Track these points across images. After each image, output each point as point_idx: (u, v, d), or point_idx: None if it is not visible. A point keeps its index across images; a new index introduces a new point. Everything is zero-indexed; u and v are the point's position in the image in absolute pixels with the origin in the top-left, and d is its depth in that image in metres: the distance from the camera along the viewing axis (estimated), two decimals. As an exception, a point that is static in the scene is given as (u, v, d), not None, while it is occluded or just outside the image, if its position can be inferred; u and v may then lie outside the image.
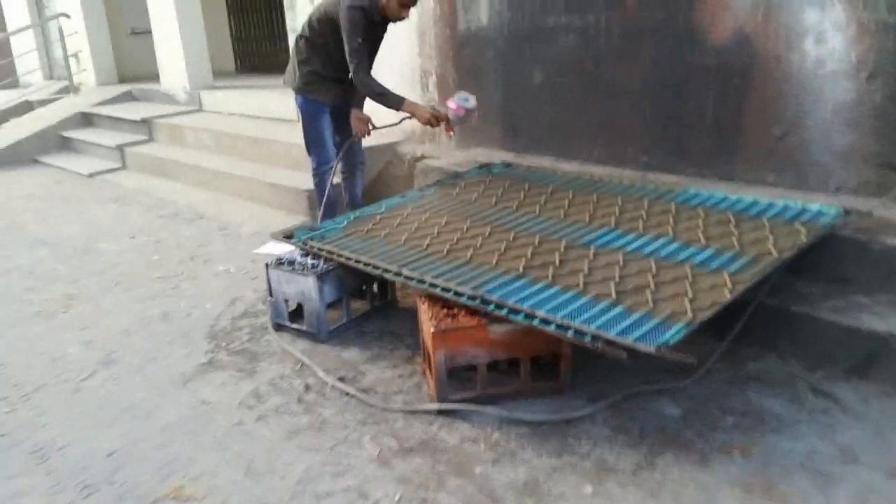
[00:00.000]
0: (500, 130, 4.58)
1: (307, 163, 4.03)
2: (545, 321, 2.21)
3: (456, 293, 2.48)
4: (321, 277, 2.97)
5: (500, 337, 2.42)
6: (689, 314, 2.14)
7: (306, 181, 4.47)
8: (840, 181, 3.17)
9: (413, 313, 2.81)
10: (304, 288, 3.01)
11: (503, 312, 2.32)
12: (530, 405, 2.46)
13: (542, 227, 3.00)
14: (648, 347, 1.98)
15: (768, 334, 2.71)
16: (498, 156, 4.49)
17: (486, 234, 2.98)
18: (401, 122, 3.71)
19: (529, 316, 2.25)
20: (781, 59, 3.22)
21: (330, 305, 3.06)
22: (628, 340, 2.03)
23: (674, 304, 2.21)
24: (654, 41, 3.69)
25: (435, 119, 3.58)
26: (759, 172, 3.44)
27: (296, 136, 4.32)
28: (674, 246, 2.64)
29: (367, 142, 4.15)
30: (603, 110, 4.00)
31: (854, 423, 2.27)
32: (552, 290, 2.40)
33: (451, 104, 3.56)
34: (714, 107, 3.54)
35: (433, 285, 2.57)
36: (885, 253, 2.63)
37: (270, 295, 3.16)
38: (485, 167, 4.04)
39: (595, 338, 2.09)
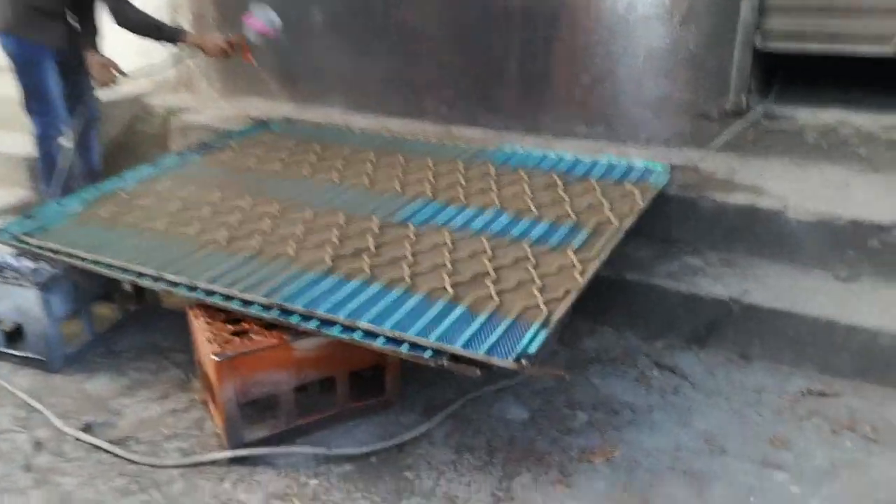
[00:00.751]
0: (277, 79, 3.87)
1: (27, 124, 3.02)
2: (370, 334, 1.69)
3: (243, 302, 1.86)
4: (46, 287, 2.16)
5: (308, 354, 1.86)
6: (543, 309, 1.75)
7: (23, 145, 3.43)
8: (652, 132, 2.99)
9: (184, 316, 2.14)
10: (21, 303, 2.17)
11: (312, 326, 1.76)
12: (353, 430, 1.96)
13: (345, 200, 2.44)
14: (507, 362, 1.56)
15: (601, 306, 2.46)
16: (276, 109, 3.79)
17: (277, 213, 2.36)
18: (177, 63, 2.91)
19: (348, 328, 1.72)
20: (591, 3, 2.93)
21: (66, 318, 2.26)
22: (479, 354, 1.59)
23: (522, 296, 1.81)
24: (451, -23, 3.23)
25: (230, 46, 2.85)
26: (568, 124, 3.18)
27: (9, 88, 3.26)
28: (504, 218, 2.24)
29: (102, 93, 3.23)
30: (396, 57, 3.48)
31: (708, 402, 2.08)
32: (372, 289, 1.88)
33: (253, 21, 2.80)
34: (520, 54, 3.19)
35: (210, 293, 1.92)
36: (713, 210, 2.48)
37: (-29, 314, 2.27)
38: (262, 124, 3.34)
39: (438, 353, 1.62)
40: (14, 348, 2.28)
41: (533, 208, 2.28)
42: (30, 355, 2.25)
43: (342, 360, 1.90)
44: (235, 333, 1.85)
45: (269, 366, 1.82)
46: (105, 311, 2.48)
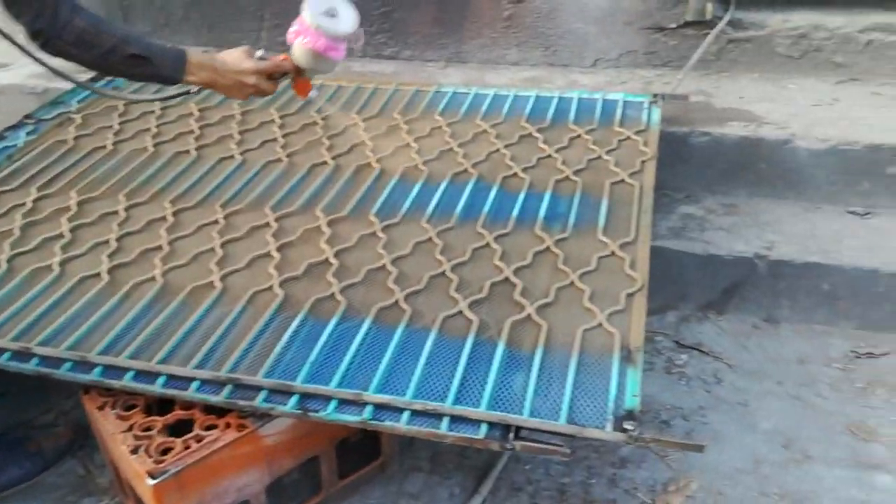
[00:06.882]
0: None
1: None
2: (385, 408, 1.16)
3: (170, 378, 1.24)
4: None
5: (283, 438, 1.29)
6: (611, 332, 1.29)
7: None
8: (599, 52, 2.55)
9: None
10: None
11: (291, 408, 1.19)
12: (350, 516, 1.45)
13: (253, 185, 1.80)
14: (609, 433, 1.10)
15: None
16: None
17: (169, 219, 1.68)
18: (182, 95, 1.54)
19: (349, 403, 1.18)
20: None
21: None
22: (559, 423, 1.12)
23: (575, 317, 1.33)
24: None
25: (267, 79, 1.41)
26: (498, 49, 2.65)
27: None
28: (489, 192, 1.72)
29: None
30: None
31: (760, 388, 1.70)
32: (341, 326, 1.32)
33: (310, 31, 1.35)
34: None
35: (113, 369, 1.27)
36: (708, 146, 2.10)
37: None
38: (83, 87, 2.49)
39: (493, 427, 1.12)
40: None
41: (520, 172, 1.78)
42: None
43: (326, 432, 1.35)
44: (170, 427, 1.24)
45: (232, 469, 1.23)
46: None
